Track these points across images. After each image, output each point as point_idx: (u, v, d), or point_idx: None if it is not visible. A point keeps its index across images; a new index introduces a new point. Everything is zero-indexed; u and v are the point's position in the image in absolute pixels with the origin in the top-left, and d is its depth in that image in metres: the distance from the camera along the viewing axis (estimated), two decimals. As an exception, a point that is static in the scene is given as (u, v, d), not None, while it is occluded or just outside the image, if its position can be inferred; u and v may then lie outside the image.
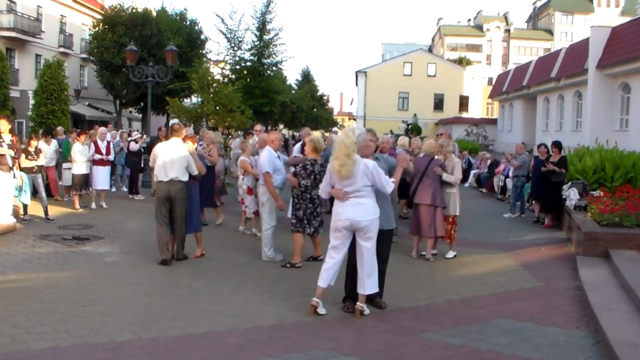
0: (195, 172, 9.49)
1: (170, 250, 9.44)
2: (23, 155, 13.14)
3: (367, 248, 6.77)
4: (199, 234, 9.90)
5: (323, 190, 7.12)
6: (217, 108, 27.99)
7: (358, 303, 6.83)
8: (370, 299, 7.09)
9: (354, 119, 76.27)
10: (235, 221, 12.46)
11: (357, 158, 6.63)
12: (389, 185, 6.82)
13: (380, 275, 7.10)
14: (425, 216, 10.17)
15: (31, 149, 13.43)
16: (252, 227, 11.97)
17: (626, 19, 41.58)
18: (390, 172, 7.36)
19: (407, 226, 12.48)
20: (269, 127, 51.11)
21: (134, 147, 17.53)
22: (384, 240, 7.20)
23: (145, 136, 20.44)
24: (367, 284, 6.76)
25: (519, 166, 16.04)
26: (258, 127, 16.65)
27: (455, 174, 10.29)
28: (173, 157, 9.29)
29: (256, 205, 11.49)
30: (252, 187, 11.47)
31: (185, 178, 9.40)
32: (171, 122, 18.12)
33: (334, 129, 13.70)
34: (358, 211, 6.67)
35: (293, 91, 68.01)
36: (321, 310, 6.83)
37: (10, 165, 11.72)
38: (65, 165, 16.09)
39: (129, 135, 20.67)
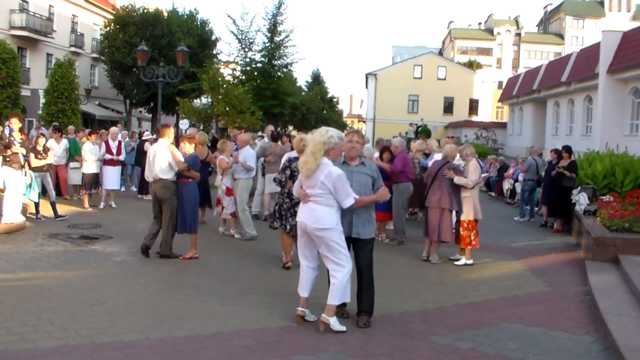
0: (176, 168, 9.61)
1: (147, 242, 9.77)
2: (32, 155, 13.17)
3: (328, 258, 6.36)
4: (193, 235, 9.81)
5: (294, 189, 6.88)
6: (227, 109, 28.06)
7: (323, 315, 6.36)
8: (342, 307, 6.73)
9: (364, 121, 76.31)
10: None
11: (325, 162, 6.27)
12: (349, 200, 6.24)
13: (368, 286, 6.70)
14: (433, 219, 10.20)
15: (40, 148, 13.41)
16: (230, 228, 11.99)
17: (637, 24, 41.42)
18: (373, 181, 6.74)
19: (416, 229, 12.59)
20: (279, 129, 51.16)
21: (149, 147, 17.48)
22: (362, 249, 6.70)
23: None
24: (334, 295, 6.34)
25: (525, 170, 16.05)
26: (270, 127, 16.70)
27: (469, 176, 10.12)
28: (155, 157, 9.63)
29: (234, 207, 11.56)
30: (231, 188, 11.54)
31: (168, 176, 9.61)
32: (181, 123, 18.18)
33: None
34: (310, 216, 6.33)
35: (303, 93, 68.06)
36: (310, 317, 6.61)
37: (22, 164, 11.80)
38: (72, 164, 16.00)
39: (141, 135, 20.72)
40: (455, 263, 10.16)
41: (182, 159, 9.68)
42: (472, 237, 10.16)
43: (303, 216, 6.45)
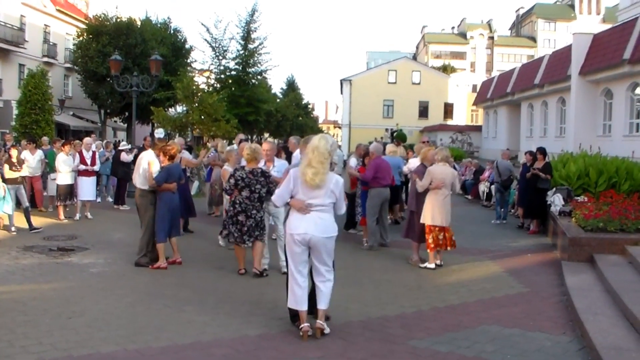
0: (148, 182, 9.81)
1: (146, 255, 9.89)
2: (6, 166, 13.02)
3: (323, 265, 6.38)
4: (160, 244, 9.71)
5: (280, 198, 6.49)
6: (202, 117, 28.01)
7: (319, 321, 6.36)
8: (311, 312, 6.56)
9: (339, 127, 76.44)
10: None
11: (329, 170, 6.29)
12: (344, 206, 6.58)
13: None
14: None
15: (14, 160, 13.25)
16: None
17: (607, 26, 42.00)
18: None
19: (399, 233, 12.70)
20: (254, 137, 51.12)
21: (126, 158, 17.44)
22: None
23: (136, 149, 20.19)
24: (326, 300, 6.38)
25: (490, 173, 16.28)
26: (241, 136, 16.69)
27: (422, 179, 10.19)
28: (138, 167, 10.00)
29: None
30: None
31: (143, 187, 9.87)
32: (156, 132, 18.06)
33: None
34: (319, 227, 6.21)
35: (278, 100, 68.13)
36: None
37: (-6, 177, 11.68)
38: (52, 175, 15.85)
39: (116, 145, 20.55)
40: (420, 265, 10.21)
41: (155, 174, 9.69)
42: (430, 240, 10.06)
43: (307, 227, 6.21)
